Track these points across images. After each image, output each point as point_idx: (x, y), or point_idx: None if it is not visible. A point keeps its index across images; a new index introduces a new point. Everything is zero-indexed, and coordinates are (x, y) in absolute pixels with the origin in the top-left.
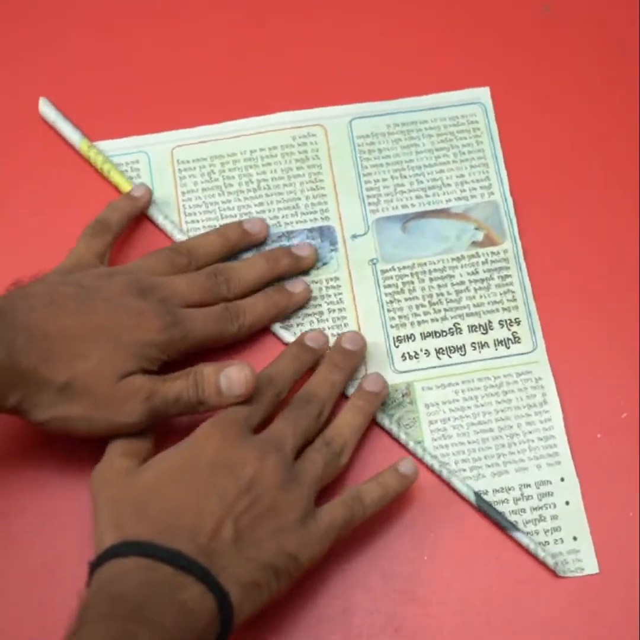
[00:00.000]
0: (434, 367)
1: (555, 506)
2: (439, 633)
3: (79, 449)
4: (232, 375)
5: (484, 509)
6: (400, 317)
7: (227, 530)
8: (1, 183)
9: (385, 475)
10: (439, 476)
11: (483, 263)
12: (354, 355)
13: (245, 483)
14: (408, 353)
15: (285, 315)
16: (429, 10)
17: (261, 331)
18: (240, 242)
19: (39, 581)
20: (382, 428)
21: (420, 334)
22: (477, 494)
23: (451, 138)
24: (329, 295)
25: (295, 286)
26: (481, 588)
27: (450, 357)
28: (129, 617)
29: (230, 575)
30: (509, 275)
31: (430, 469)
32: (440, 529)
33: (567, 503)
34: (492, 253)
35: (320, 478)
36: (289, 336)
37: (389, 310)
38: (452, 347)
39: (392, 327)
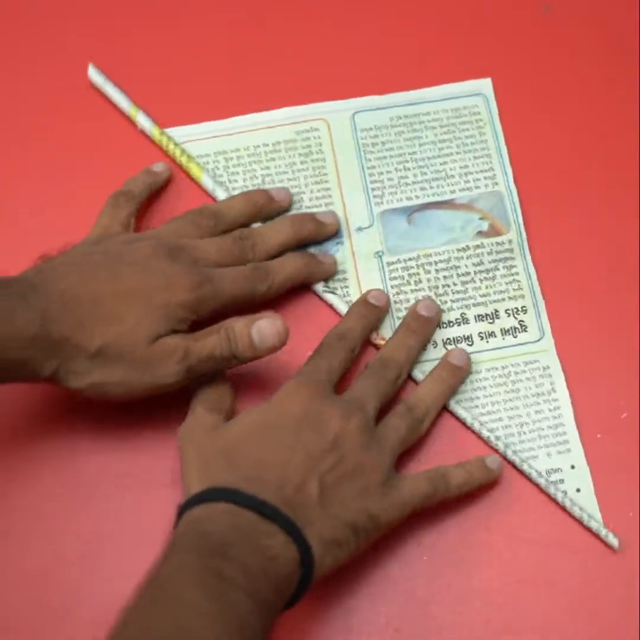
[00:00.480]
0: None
1: (566, 494)
2: (439, 633)
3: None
4: (264, 328)
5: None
6: (406, 308)
7: (313, 486)
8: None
9: (472, 464)
10: None
11: (488, 253)
12: (429, 322)
13: (330, 441)
14: None
15: (313, 280)
16: (429, 6)
17: (299, 289)
18: (265, 207)
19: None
20: None
21: None
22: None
23: (454, 130)
24: (336, 288)
25: (325, 257)
26: (481, 588)
27: (457, 347)
28: (216, 553)
29: (313, 530)
30: (514, 265)
31: None
32: (440, 530)
33: (578, 490)
34: (497, 243)
35: (401, 443)
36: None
37: (395, 302)
38: (460, 337)
39: (398, 319)
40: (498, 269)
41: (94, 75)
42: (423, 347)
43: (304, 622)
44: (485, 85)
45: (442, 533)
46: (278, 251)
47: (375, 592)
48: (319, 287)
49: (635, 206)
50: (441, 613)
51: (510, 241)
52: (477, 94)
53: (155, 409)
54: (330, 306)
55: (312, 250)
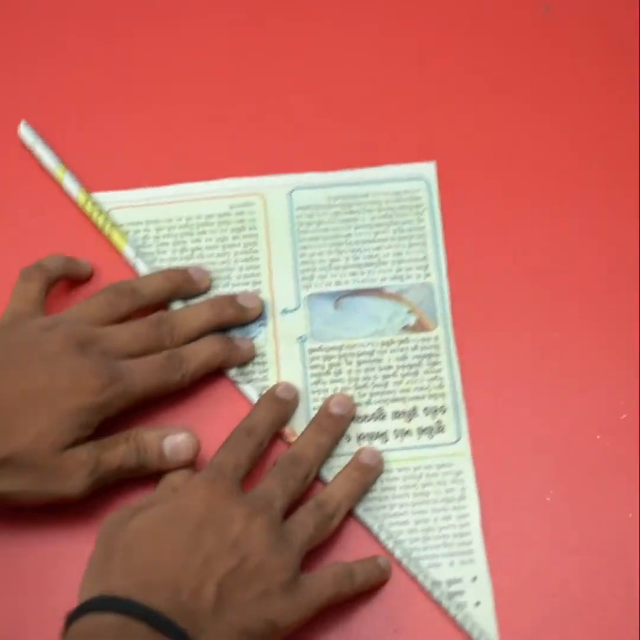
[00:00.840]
0: (354, 453)
1: (465, 606)
2: (439, 634)
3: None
4: (177, 442)
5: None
6: (324, 398)
7: (209, 591)
8: None
9: (369, 562)
10: None
11: (413, 349)
12: (341, 419)
13: (232, 542)
14: None
15: (229, 366)
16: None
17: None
18: (183, 287)
19: None
20: None
21: None
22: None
23: (392, 214)
24: (254, 372)
25: (243, 342)
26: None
27: (371, 444)
28: None
29: (207, 638)
30: (438, 362)
31: None
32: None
33: (477, 604)
34: (423, 339)
35: (309, 541)
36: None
37: (313, 391)
38: (374, 433)
39: (314, 409)
40: (421, 365)
41: (25, 132)
42: (335, 444)
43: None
44: (428, 169)
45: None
46: (197, 335)
47: (375, 592)
48: (233, 373)
49: (635, 206)
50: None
51: (436, 338)
52: (419, 179)
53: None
54: (244, 394)
55: (235, 331)
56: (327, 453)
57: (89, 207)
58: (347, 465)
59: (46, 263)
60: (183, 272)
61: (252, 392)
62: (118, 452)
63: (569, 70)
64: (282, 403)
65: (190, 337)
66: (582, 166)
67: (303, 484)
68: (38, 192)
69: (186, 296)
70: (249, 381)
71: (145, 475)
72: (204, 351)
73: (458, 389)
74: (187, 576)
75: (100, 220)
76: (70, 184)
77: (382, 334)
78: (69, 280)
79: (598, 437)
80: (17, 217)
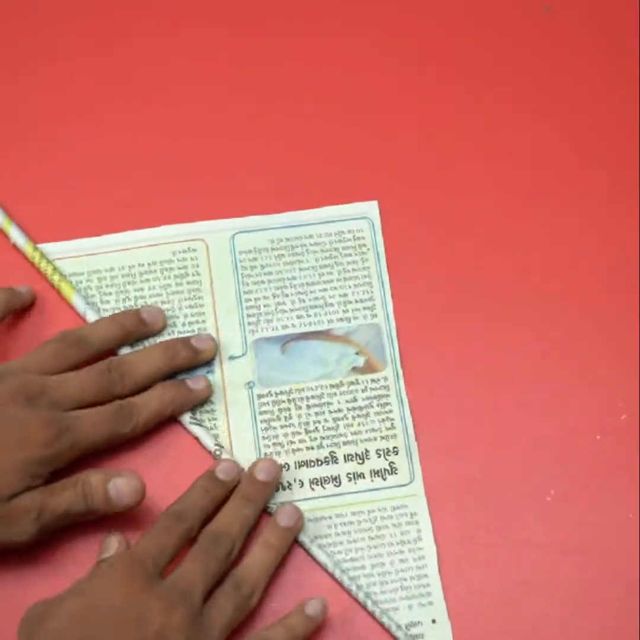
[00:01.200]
0: (308, 498)
1: None
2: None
3: None
4: (120, 485)
5: None
6: (274, 444)
7: None
8: None
9: (292, 618)
10: None
11: (362, 390)
12: (267, 487)
13: (152, 637)
14: (281, 483)
15: (183, 411)
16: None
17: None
18: (136, 331)
19: None
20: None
21: (295, 462)
22: None
23: (336, 255)
24: (203, 420)
25: (197, 382)
26: (480, 589)
27: (324, 488)
28: None
29: None
30: (389, 403)
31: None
32: (439, 531)
33: None
34: (372, 380)
35: (229, 625)
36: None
37: (264, 437)
38: (327, 477)
39: (264, 455)
40: (372, 407)
41: None
42: (260, 513)
43: None
44: (371, 208)
45: (441, 534)
46: (150, 381)
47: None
48: (186, 417)
49: (635, 206)
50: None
51: (385, 378)
52: (362, 218)
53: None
54: (196, 438)
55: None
56: (251, 525)
57: (37, 258)
58: (264, 530)
59: None
60: (134, 315)
61: (204, 435)
62: (64, 497)
63: (569, 70)
64: (220, 485)
65: (142, 383)
66: (582, 166)
67: (225, 563)
68: None
69: (139, 339)
70: (200, 426)
71: (96, 519)
72: (156, 401)
73: (409, 429)
74: None
75: (49, 271)
76: (17, 235)
77: (331, 377)
78: (14, 313)
79: (598, 437)
80: None
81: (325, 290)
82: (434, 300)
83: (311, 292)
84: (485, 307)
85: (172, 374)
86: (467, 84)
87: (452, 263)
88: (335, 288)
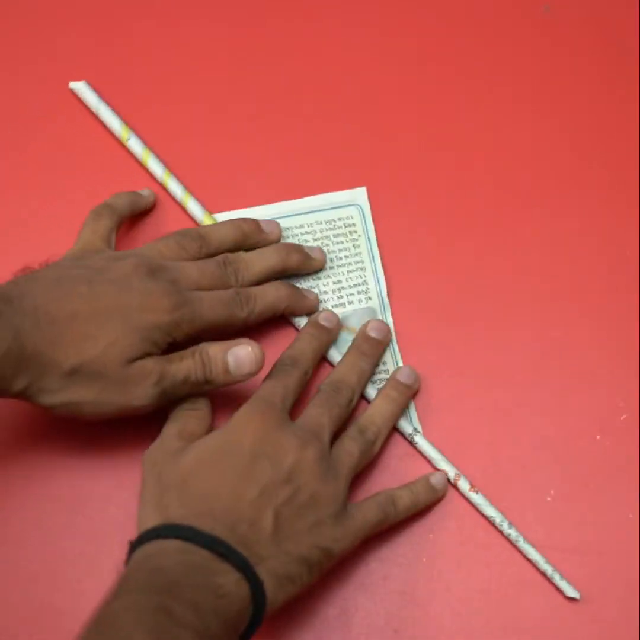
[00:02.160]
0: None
1: None
2: (439, 634)
3: (90, 434)
4: (240, 354)
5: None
6: None
7: (267, 521)
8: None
9: (417, 485)
10: None
11: None
12: (379, 343)
13: (286, 473)
14: None
15: (294, 313)
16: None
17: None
18: (252, 236)
19: (56, 568)
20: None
21: None
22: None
23: (328, 242)
24: None
25: (308, 292)
26: (480, 589)
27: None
28: (166, 591)
29: (266, 567)
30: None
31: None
32: (439, 531)
33: None
34: None
35: (355, 467)
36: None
37: None
38: None
39: None
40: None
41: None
42: (374, 368)
43: (304, 623)
44: (360, 194)
45: (440, 535)
46: (261, 279)
47: (375, 593)
48: (301, 321)
49: (635, 206)
50: (440, 614)
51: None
52: (352, 204)
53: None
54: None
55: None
56: (368, 377)
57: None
58: (385, 385)
59: (114, 202)
60: (253, 222)
61: None
62: (183, 365)
63: (569, 70)
64: (324, 331)
65: (255, 279)
66: (582, 166)
67: (348, 410)
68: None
69: (255, 246)
70: None
71: (213, 390)
72: (271, 294)
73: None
74: (245, 506)
75: (165, 178)
76: (135, 144)
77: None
78: (136, 215)
79: (598, 437)
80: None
81: (318, 278)
82: (428, 280)
83: (305, 280)
84: (485, 307)
85: (284, 276)
86: (467, 84)
87: (452, 263)
88: (328, 276)
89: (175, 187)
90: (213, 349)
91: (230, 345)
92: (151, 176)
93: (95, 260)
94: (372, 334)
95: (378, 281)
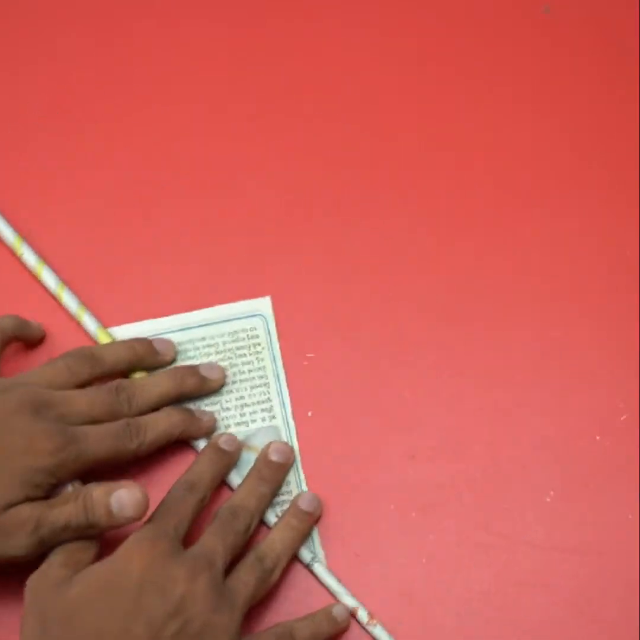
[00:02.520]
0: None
1: None
2: (439, 634)
3: None
4: (123, 497)
5: None
6: None
7: None
8: None
9: (318, 616)
10: None
11: None
12: (280, 467)
13: (175, 605)
14: None
15: (189, 438)
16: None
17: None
18: (146, 358)
19: None
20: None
21: None
22: None
23: (231, 356)
24: None
25: (203, 415)
26: (480, 590)
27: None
28: None
29: None
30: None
31: None
32: (439, 531)
33: None
34: None
35: (252, 597)
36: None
37: None
38: None
39: None
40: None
41: None
42: (275, 493)
43: None
44: (264, 304)
45: (440, 534)
46: (157, 405)
47: (375, 593)
48: (200, 443)
49: (635, 206)
50: (440, 615)
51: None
52: (255, 315)
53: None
54: None
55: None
56: (268, 503)
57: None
58: (285, 513)
59: (2, 325)
60: (147, 343)
61: None
62: (64, 510)
63: (569, 70)
64: (225, 455)
65: (149, 406)
66: (582, 166)
67: (244, 538)
68: None
69: (149, 368)
70: None
71: (97, 534)
72: (163, 421)
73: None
74: None
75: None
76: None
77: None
78: (21, 342)
79: (598, 437)
80: None
81: (221, 394)
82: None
83: (207, 397)
84: (485, 307)
85: (179, 401)
86: (467, 84)
87: (451, 264)
88: (231, 391)
89: (69, 300)
90: (97, 492)
91: (113, 488)
92: (45, 288)
93: None
94: (274, 457)
95: (282, 400)
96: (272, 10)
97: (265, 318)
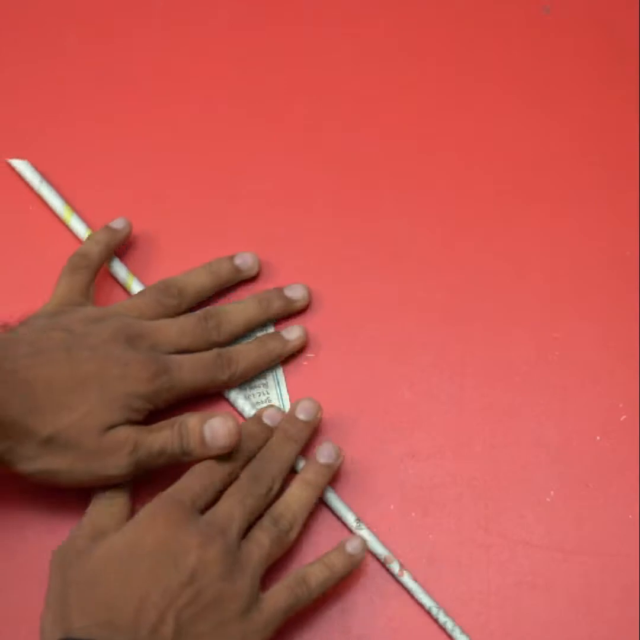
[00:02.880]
0: None
1: None
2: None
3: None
4: (216, 427)
5: None
6: None
7: (168, 626)
8: None
9: (331, 555)
10: None
11: None
12: (307, 426)
13: (188, 574)
14: None
15: (279, 361)
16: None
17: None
18: (231, 279)
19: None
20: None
21: None
22: None
23: None
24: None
25: (291, 333)
26: (480, 590)
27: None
28: None
29: None
30: None
31: None
32: (439, 531)
33: None
34: None
35: (266, 559)
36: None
37: None
38: None
39: None
40: None
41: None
42: (299, 453)
43: (304, 623)
44: None
45: (440, 535)
46: (244, 330)
47: (375, 593)
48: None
49: (635, 206)
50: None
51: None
52: None
53: None
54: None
55: None
56: (291, 464)
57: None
58: (304, 467)
59: (89, 250)
60: (228, 263)
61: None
62: (161, 435)
63: (569, 70)
64: (264, 430)
65: (237, 332)
66: (582, 166)
67: (265, 500)
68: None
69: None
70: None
71: (190, 462)
72: (254, 351)
73: None
74: (144, 613)
75: None
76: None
77: None
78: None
79: (598, 438)
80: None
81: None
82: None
83: None
84: (485, 307)
85: (266, 324)
86: (468, 84)
87: (452, 264)
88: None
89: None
90: (192, 421)
91: (207, 416)
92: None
93: (73, 320)
94: (301, 416)
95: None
96: (272, 10)
97: None
